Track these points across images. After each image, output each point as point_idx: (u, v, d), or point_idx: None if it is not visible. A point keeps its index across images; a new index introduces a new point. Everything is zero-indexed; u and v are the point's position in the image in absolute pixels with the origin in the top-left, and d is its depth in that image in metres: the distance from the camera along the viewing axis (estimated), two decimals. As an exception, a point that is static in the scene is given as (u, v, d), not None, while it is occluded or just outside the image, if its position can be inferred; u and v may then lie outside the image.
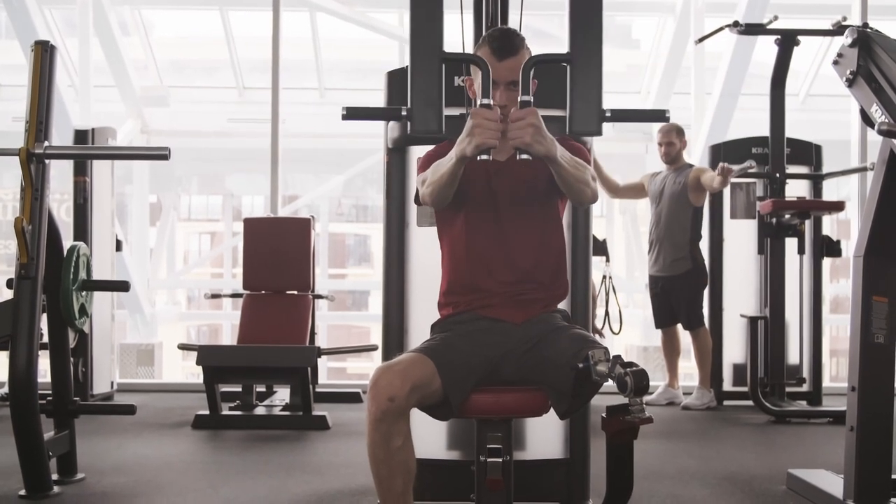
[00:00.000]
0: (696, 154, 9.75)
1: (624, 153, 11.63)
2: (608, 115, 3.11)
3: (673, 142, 6.90)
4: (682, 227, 6.85)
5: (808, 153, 7.11)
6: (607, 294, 6.95)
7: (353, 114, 3.31)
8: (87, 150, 6.24)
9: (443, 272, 3.19)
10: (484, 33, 3.34)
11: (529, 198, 3.10)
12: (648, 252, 7.13)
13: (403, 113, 3.05)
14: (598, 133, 3.10)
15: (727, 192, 7.14)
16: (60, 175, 7.79)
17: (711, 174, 6.61)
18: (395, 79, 3.96)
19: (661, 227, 6.95)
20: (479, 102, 2.85)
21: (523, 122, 2.73)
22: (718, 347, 7.08)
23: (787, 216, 6.39)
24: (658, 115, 3.43)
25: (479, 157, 2.77)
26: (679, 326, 7.02)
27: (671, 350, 7.12)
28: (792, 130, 6.63)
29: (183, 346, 6.63)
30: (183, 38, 13.91)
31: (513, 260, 3.08)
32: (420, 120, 3.04)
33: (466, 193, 3.08)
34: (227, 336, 14.27)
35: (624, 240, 13.46)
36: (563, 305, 3.27)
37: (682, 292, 6.90)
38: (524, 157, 2.78)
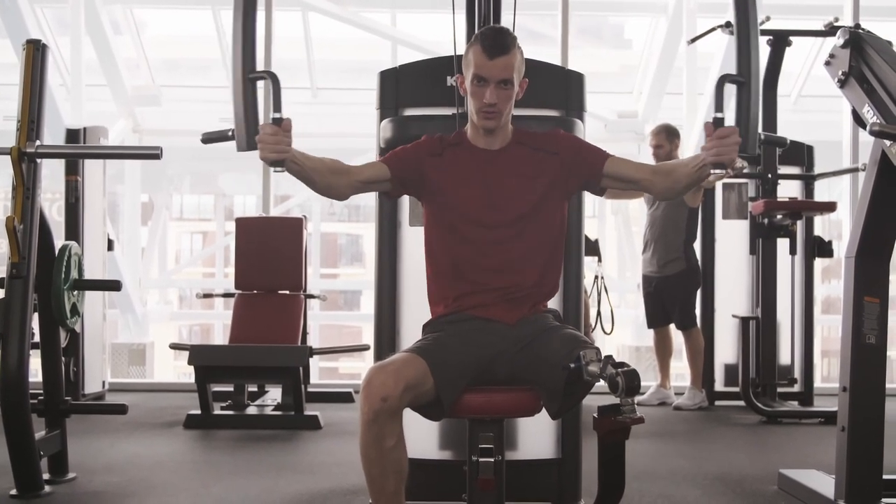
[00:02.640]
0: (687, 154, 9.76)
1: (616, 152, 11.56)
2: (762, 138, 3.33)
3: (661, 144, 6.90)
4: (677, 227, 6.86)
5: (800, 154, 7.12)
6: (599, 294, 6.95)
7: (208, 138, 3.50)
8: (78, 149, 6.23)
9: (430, 270, 3.19)
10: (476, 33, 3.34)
11: (524, 191, 3.09)
12: (643, 252, 7.13)
13: (230, 133, 3.17)
14: (754, 153, 3.28)
15: (719, 192, 7.16)
16: (52, 174, 7.77)
17: None
18: (388, 79, 3.97)
19: (655, 227, 6.96)
20: (270, 116, 2.90)
21: (729, 141, 2.85)
22: (710, 348, 7.08)
23: (778, 217, 6.40)
24: (780, 142, 3.63)
25: (272, 170, 2.88)
26: (671, 327, 7.03)
27: (663, 350, 7.13)
28: (784, 131, 6.63)
29: (174, 346, 6.61)
30: (175, 37, 13.87)
31: (502, 255, 3.07)
32: (241, 139, 3.17)
33: (453, 188, 3.09)
34: (219, 336, 14.23)
35: (616, 240, 13.45)
36: (554, 305, 3.27)
37: (675, 292, 6.91)
38: (718, 171, 2.93)
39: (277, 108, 2.90)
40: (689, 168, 3.03)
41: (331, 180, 3.02)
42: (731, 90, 3.10)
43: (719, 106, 2.94)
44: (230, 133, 3.22)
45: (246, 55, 3.11)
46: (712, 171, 2.93)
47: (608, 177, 3.14)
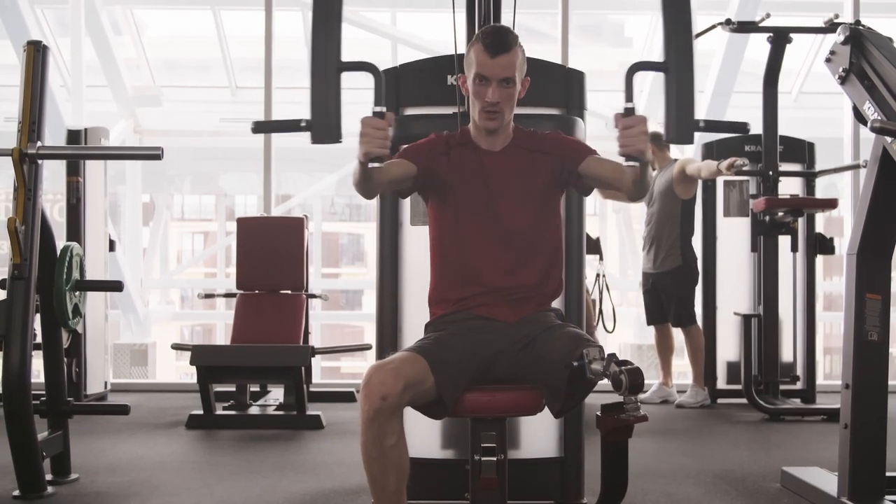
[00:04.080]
0: (688, 152, 9.75)
1: (615, 150, 11.57)
2: (701, 125, 3.13)
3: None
4: (672, 222, 6.87)
5: (801, 151, 7.13)
6: (601, 292, 6.95)
7: (261, 128, 3.39)
8: (79, 150, 6.23)
9: (433, 268, 3.19)
10: (477, 32, 3.34)
11: (525, 194, 3.10)
12: (642, 250, 7.14)
13: (303, 124, 3.08)
14: (690, 142, 3.13)
15: (720, 190, 7.16)
16: (53, 175, 7.78)
17: (697, 164, 6.64)
18: (388, 78, 3.96)
19: (653, 224, 6.97)
20: (372, 109, 2.80)
21: (636, 130, 2.72)
22: (712, 345, 7.08)
23: (780, 214, 6.40)
24: (739, 127, 3.44)
25: (369, 165, 2.76)
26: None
27: (664, 348, 7.13)
28: (785, 128, 6.64)
29: (176, 346, 6.61)
30: (175, 37, 13.88)
31: (506, 258, 3.08)
32: (318, 131, 3.07)
33: (459, 189, 3.09)
34: (221, 336, 14.26)
35: (617, 238, 13.45)
36: (556, 304, 3.27)
37: (671, 289, 6.91)
38: (630, 163, 2.76)
39: (379, 101, 2.85)
40: (622, 165, 2.89)
41: (381, 180, 2.97)
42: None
43: (629, 95, 2.82)
44: (303, 124, 3.13)
45: (331, 45, 3.04)
46: (626, 164, 2.78)
47: (588, 175, 3.10)
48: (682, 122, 3.05)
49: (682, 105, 3.05)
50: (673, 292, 6.91)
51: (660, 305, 7.01)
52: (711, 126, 3.35)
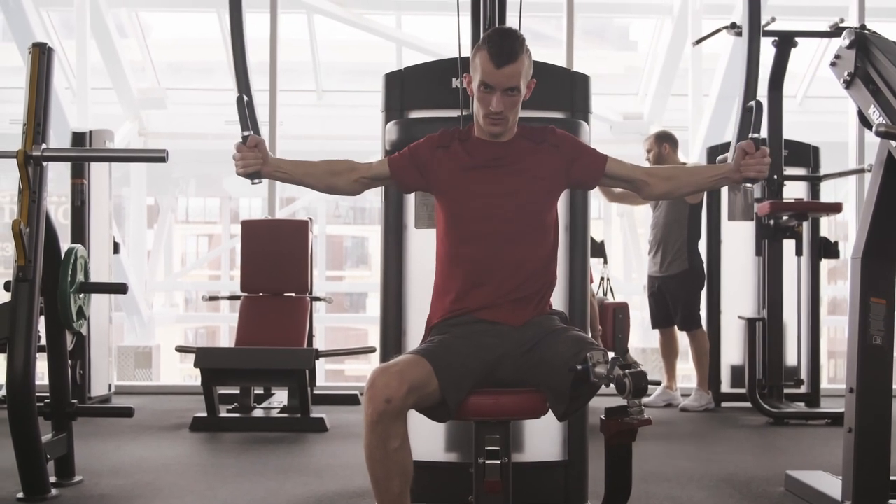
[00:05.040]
0: (693, 156, 9.75)
1: (621, 155, 11.55)
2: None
3: (650, 148, 6.96)
4: (680, 226, 6.87)
5: (806, 155, 7.12)
6: (605, 296, 6.95)
7: None
8: (84, 152, 6.23)
9: (437, 272, 3.19)
10: (482, 35, 3.34)
11: (529, 199, 3.10)
12: (648, 253, 7.13)
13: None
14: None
15: (724, 193, 7.15)
16: (58, 177, 7.78)
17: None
18: (393, 81, 3.97)
19: (658, 228, 6.97)
20: (241, 134, 3.14)
21: (766, 161, 3.11)
22: (716, 349, 7.08)
23: (784, 218, 6.39)
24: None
25: (252, 182, 3.11)
26: (677, 328, 7.03)
27: (669, 351, 7.12)
28: (789, 132, 6.63)
29: (181, 349, 6.63)
30: (180, 40, 13.89)
31: (511, 262, 3.08)
32: None
33: (466, 195, 3.09)
34: (225, 338, 14.25)
35: (622, 242, 13.45)
36: (561, 307, 3.27)
37: (677, 292, 6.90)
38: (748, 185, 3.19)
39: (245, 126, 3.17)
40: (704, 176, 3.27)
41: (331, 181, 3.18)
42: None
43: (756, 127, 3.20)
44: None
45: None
46: (743, 186, 3.19)
47: (606, 176, 3.23)
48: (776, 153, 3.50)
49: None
50: (680, 296, 6.90)
51: (665, 309, 7.01)
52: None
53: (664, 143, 6.96)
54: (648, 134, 7.18)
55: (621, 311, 6.32)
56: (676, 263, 6.90)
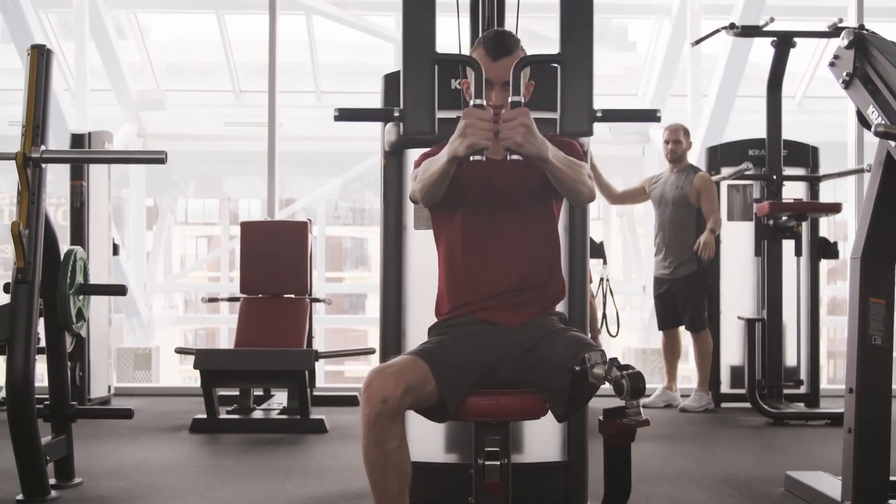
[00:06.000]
0: (692, 156, 9.75)
1: (620, 155, 11.61)
2: (599, 115, 3.08)
3: (680, 140, 6.94)
4: (687, 228, 6.86)
5: (805, 155, 7.12)
6: (604, 296, 6.95)
7: (345, 115, 3.29)
8: (83, 154, 6.24)
9: (440, 275, 3.19)
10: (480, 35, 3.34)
11: (526, 199, 3.10)
12: (655, 255, 7.12)
13: (396, 114, 3.04)
14: (589, 133, 3.08)
15: (724, 194, 7.15)
16: (57, 179, 7.79)
17: (716, 218, 6.66)
18: (392, 82, 3.97)
19: (666, 229, 6.95)
20: (471, 103, 2.83)
21: (514, 123, 2.73)
22: (716, 350, 7.07)
23: (784, 218, 6.39)
24: (649, 115, 3.39)
25: (471, 158, 2.77)
26: (680, 329, 7.02)
27: (671, 352, 7.12)
28: (788, 132, 6.64)
29: (180, 350, 6.62)
30: (179, 41, 13.90)
31: (510, 262, 3.07)
32: (412, 120, 3.03)
33: (464, 195, 3.08)
34: (225, 340, 14.26)
35: (621, 242, 13.45)
36: (560, 308, 3.26)
37: (686, 294, 6.89)
38: (515, 157, 2.78)
39: (479, 94, 2.84)
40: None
41: None
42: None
43: (515, 89, 2.86)
44: (396, 113, 3.11)
45: (427, 35, 3.01)
46: (509, 157, 2.82)
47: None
48: (578, 112, 3.03)
49: (578, 96, 3.03)
50: (689, 297, 6.89)
51: (672, 310, 6.99)
52: (613, 115, 3.26)
53: (690, 139, 7.01)
54: (672, 125, 7.08)
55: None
56: (685, 265, 6.89)
